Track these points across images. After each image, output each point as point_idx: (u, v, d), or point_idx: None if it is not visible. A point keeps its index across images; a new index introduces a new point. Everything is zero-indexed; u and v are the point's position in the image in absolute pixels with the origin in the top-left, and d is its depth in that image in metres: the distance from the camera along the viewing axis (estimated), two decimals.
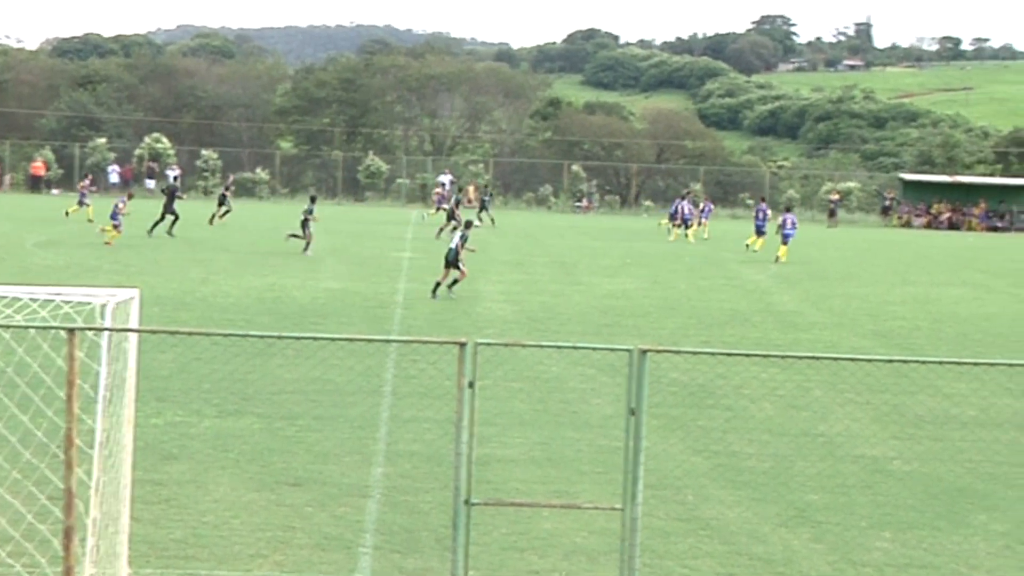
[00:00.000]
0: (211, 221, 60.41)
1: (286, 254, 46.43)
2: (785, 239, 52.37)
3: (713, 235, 66.18)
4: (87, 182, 66.80)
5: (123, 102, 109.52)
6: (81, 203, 61.64)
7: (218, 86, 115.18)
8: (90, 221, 57.55)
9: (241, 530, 14.56)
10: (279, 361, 24.16)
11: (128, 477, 12.34)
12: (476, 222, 57.36)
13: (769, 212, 59.76)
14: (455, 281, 36.42)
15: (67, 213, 60.91)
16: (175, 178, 64.87)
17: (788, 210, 57.19)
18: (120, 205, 49.21)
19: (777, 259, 51.25)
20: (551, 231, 65.06)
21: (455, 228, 50.95)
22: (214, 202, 65.66)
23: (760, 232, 57.06)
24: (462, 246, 36.69)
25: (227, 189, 65.41)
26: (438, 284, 36.33)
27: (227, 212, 61.60)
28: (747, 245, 56.20)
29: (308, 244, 47.24)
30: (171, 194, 55.53)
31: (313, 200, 51.48)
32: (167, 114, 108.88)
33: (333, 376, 23.01)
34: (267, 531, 14.57)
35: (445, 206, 63.17)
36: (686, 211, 63.99)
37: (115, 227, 48.17)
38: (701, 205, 72.52)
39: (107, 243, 46.96)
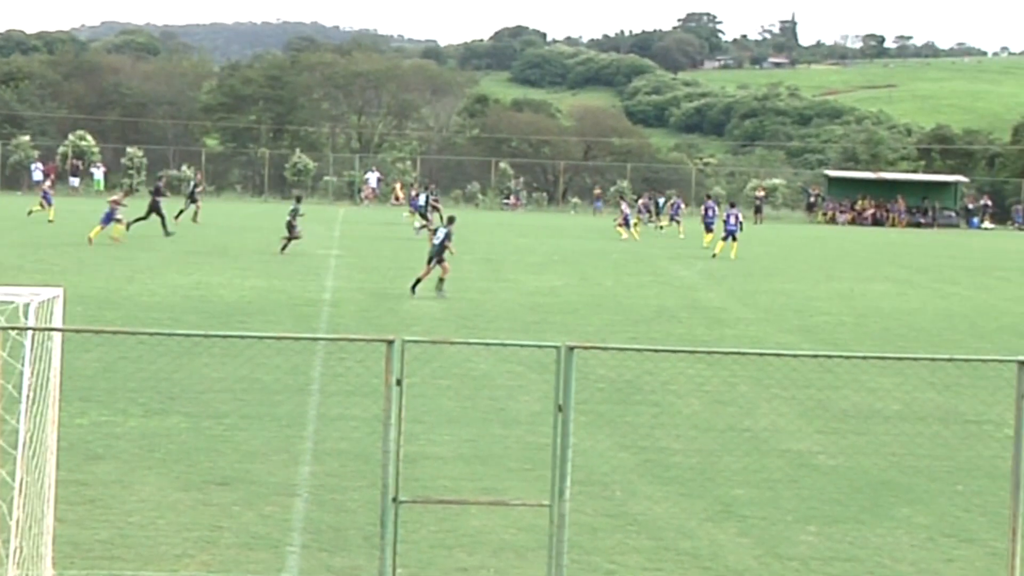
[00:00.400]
0: (195, 219, 60.27)
1: (210, 252, 46.16)
2: (731, 235, 52.93)
3: (643, 232, 66.39)
4: (49, 182, 66.79)
5: (46, 99, 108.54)
6: (46, 203, 61.36)
7: (143, 83, 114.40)
8: (50, 222, 57.58)
9: (167, 530, 14.47)
10: (206, 360, 24.01)
11: (52, 477, 12.23)
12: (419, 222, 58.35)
13: (716, 209, 60.45)
14: (440, 280, 36.34)
15: (30, 212, 60.49)
16: (159, 178, 65.13)
17: (732, 206, 58.00)
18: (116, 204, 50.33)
19: (715, 255, 51.82)
20: (479, 228, 65.07)
21: (423, 226, 51.75)
22: (139, 199, 65.09)
23: (709, 229, 57.64)
24: (447, 243, 36.66)
25: (196, 187, 65.46)
26: (418, 280, 36.36)
27: (192, 211, 61.10)
28: (705, 246, 57.37)
29: (289, 244, 47.48)
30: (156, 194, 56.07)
31: (299, 200, 52.26)
32: (91, 112, 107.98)
33: (260, 375, 22.90)
34: (194, 531, 14.49)
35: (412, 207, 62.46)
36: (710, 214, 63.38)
37: (119, 222, 49.21)
38: (673, 201, 73.58)
39: (115, 239, 47.83)
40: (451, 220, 38.81)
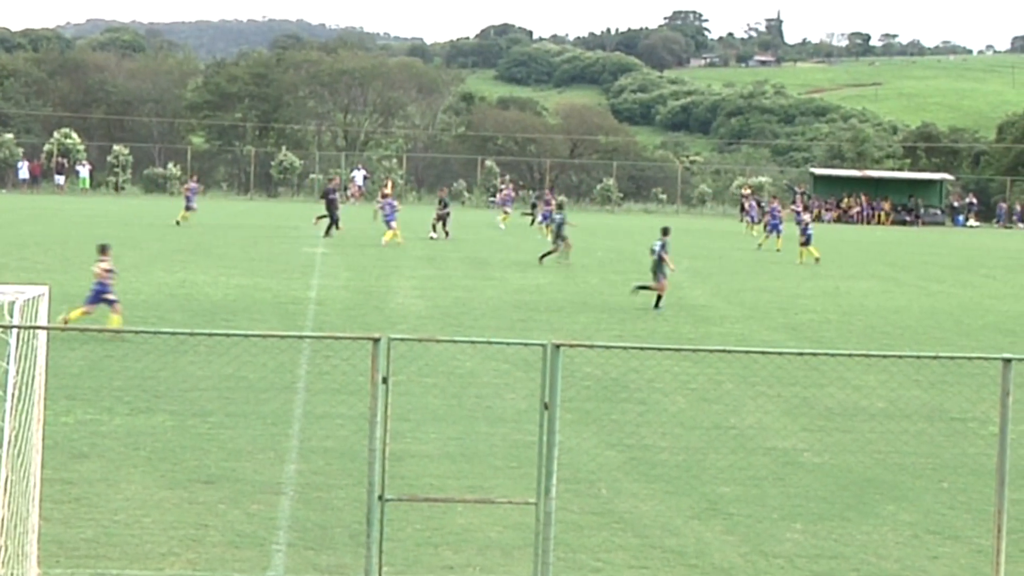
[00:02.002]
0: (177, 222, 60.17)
1: (196, 251, 46.10)
2: (775, 229, 56.50)
3: (626, 229, 66.42)
4: (193, 184, 65.42)
5: (31, 97, 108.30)
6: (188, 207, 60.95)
7: (128, 81, 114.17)
8: (177, 223, 57.63)
9: (153, 528, 14.45)
10: (191, 358, 23.99)
11: (37, 476, 12.21)
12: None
13: (781, 210, 62.43)
14: (648, 287, 35.53)
15: (178, 223, 59.64)
16: (331, 180, 66.46)
17: (774, 198, 59.51)
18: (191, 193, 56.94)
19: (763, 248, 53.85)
20: (465, 226, 65.04)
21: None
22: (125, 197, 65.08)
23: (777, 230, 60.06)
24: (664, 255, 35.42)
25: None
26: (660, 297, 35.27)
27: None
28: (760, 245, 58.75)
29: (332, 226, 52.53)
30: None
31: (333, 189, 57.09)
32: (77, 109, 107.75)
33: (246, 373, 22.88)
34: (179, 529, 14.47)
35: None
36: (777, 215, 63.28)
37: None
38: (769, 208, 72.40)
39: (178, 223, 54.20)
40: (666, 231, 36.73)
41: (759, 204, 77.95)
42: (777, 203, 70.29)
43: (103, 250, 28.17)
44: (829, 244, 63.82)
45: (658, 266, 35.44)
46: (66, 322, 25.52)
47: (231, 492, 15.98)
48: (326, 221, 56.11)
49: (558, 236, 47.42)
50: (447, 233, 57.34)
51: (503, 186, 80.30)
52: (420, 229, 59.32)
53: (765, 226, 63.72)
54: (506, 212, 71.96)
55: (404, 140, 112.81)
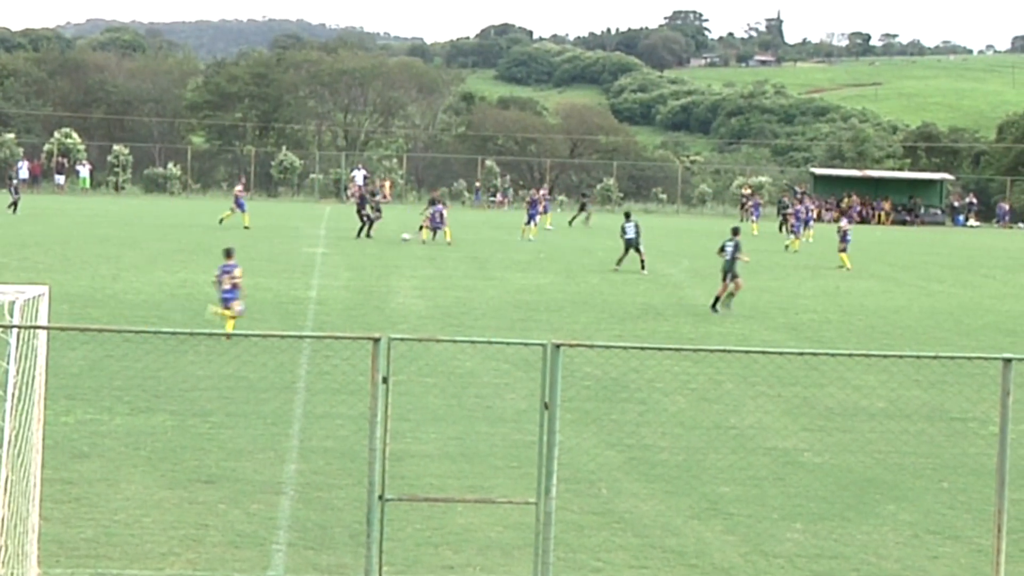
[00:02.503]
0: (221, 221, 59.71)
1: (196, 250, 46.08)
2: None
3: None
4: (241, 187, 64.21)
5: (31, 97, 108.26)
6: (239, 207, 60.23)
7: (128, 81, 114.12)
8: (247, 228, 56.83)
9: (153, 528, 14.46)
10: (191, 358, 24.01)
11: (37, 476, 12.21)
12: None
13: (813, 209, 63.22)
14: (731, 295, 35.17)
15: (221, 220, 59.17)
16: (367, 182, 67.31)
17: (801, 200, 59.77)
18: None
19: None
20: (465, 226, 65.01)
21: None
22: (125, 197, 65.08)
23: (806, 226, 62.21)
24: (738, 255, 35.30)
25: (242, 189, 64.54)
26: (717, 298, 35.14)
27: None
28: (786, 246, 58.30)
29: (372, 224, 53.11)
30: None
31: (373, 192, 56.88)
32: (77, 109, 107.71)
33: (246, 372, 22.89)
34: (180, 529, 14.48)
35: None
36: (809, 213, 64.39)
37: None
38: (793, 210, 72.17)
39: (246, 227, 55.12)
40: (736, 231, 36.86)
41: (780, 204, 78.16)
42: (805, 203, 70.19)
43: (229, 254, 28.66)
44: (830, 244, 63.78)
45: (731, 266, 35.05)
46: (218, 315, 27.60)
47: (231, 492, 15.99)
48: (375, 223, 56.79)
49: (635, 248, 45.78)
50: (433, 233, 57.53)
51: (535, 192, 78.80)
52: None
53: (791, 228, 64.57)
54: (545, 214, 71.03)
55: (404, 140, 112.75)
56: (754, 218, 73.74)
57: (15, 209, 61.76)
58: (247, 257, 44.05)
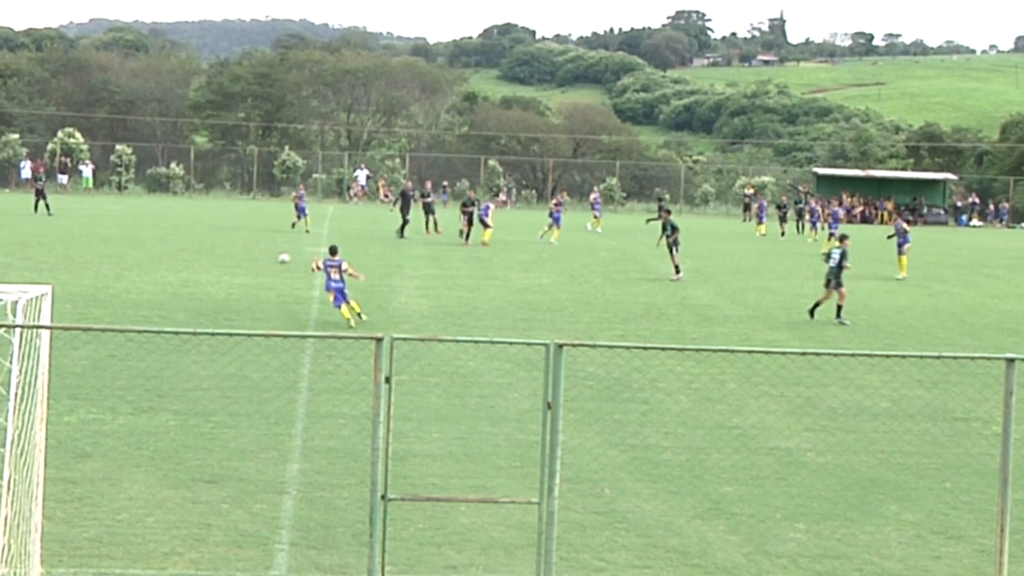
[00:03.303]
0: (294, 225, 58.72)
1: (199, 250, 46.10)
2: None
3: (629, 228, 66.38)
4: (302, 191, 61.93)
5: (35, 96, 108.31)
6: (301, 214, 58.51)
7: (131, 80, 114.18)
8: (308, 232, 56.04)
9: (156, 528, 14.46)
10: (194, 357, 24.00)
11: (40, 475, 12.21)
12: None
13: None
14: (839, 307, 34.06)
15: (293, 225, 57.82)
16: (423, 184, 67.22)
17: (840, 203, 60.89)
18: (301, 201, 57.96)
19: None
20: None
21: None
22: (128, 197, 65.09)
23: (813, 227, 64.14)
24: (845, 263, 34.27)
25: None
26: (817, 304, 34.11)
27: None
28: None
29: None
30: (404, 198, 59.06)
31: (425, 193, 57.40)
32: (80, 109, 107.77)
33: (249, 372, 22.89)
34: (182, 528, 14.48)
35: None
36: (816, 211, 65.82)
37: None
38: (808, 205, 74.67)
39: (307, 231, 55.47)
40: (844, 238, 35.86)
41: (797, 202, 78.52)
42: (833, 204, 72.13)
43: (334, 251, 30.27)
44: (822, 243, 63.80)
45: (836, 274, 34.01)
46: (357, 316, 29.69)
47: (234, 491, 15.99)
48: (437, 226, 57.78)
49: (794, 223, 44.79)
50: (437, 228, 57.95)
51: (557, 197, 78.00)
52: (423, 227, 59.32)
53: (813, 225, 67.98)
54: (596, 217, 70.64)
55: (407, 140, 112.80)
56: (761, 219, 73.76)
57: (48, 209, 61.71)
58: (250, 257, 44.14)
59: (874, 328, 33.01)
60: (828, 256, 35.17)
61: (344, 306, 29.56)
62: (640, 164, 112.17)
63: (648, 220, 56.92)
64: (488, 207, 56.70)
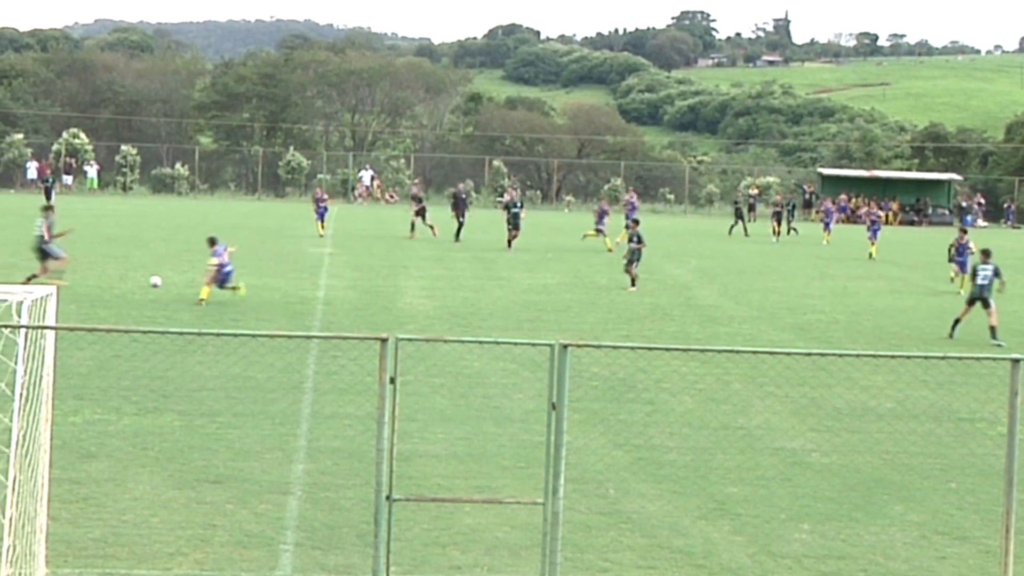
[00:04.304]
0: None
1: (204, 250, 46.10)
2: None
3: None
4: (321, 194, 59.90)
5: (39, 97, 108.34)
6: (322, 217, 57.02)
7: (136, 81, 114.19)
8: (320, 236, 54.48)
9: (161, 528, 14.47)
10: (199, 358, 24.02)
11: (45, 476, 12.23)
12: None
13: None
14: (992, 327, 31.80)
15: (321, 236, 54.85)
16: (457, 185, 66.18)
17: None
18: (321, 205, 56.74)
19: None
20: (473, 226, 64.99)
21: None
22: (133, 197, 65.11)
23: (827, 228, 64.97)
24: (1000, 278, 32.63)
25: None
26: (957, 321, 32.27)
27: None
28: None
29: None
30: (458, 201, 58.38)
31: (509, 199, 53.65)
32: (85, 109, 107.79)
33: (254, 373, 22.90)
34: (187, 529, 14.49)
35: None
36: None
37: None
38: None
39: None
40: (987, 253, 33.50)
41: (787, 204, 78.59)
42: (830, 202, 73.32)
43: (214, 241, 33.57)
44: (837, 245, 63.77)
45: (985, 293, 32.30)
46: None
47: (239, 492, 16.00)
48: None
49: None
50: (431, 228, 56.57)
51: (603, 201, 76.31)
52: (420, 228, 59.25)
53: (823, 224, 68.73)
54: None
55: (412, 140, 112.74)
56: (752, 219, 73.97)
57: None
58: (255, 257, 44.13)
59: (879, 329, 33.00)
60: (975, 273, 33.10)
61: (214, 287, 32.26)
62: (645, 164, 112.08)
63: (584, 236, 56.21)
64: (604, 211, 55.45)
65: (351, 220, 64.58)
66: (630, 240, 40.79)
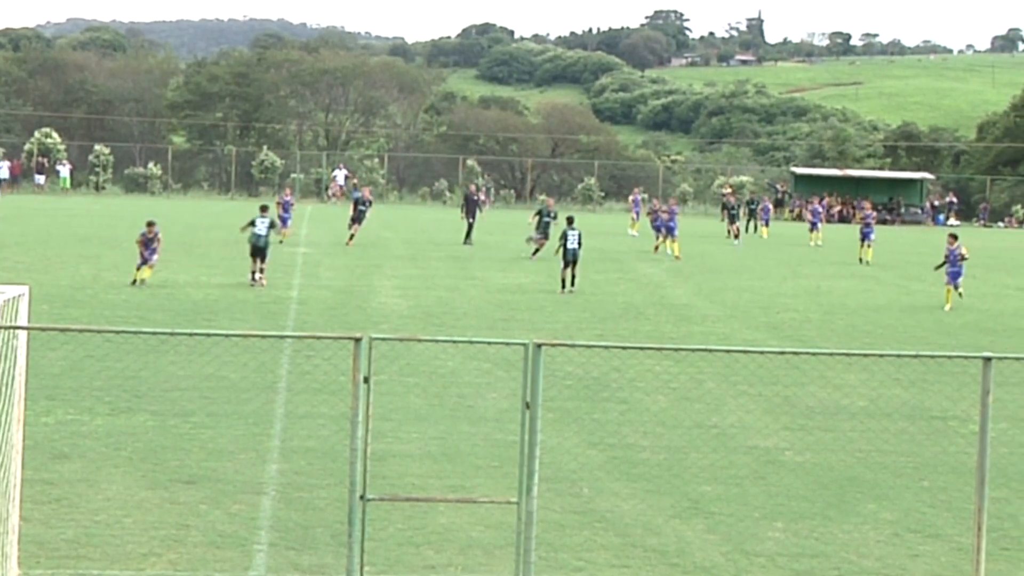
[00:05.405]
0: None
1: (177, 251, 45.99)
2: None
3: (607, 229, 66.41)
4: (288, 197, 56.93)
5: (11, 96, 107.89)
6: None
7: (109, 80, 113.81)
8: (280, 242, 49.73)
9: (134, 529, 14.43)
10: (172, 358, 23.96)
11: (17, 476, 12.18)
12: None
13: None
14: None
15: (281, 241, 49.46)
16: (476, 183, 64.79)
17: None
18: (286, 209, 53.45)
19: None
20: (446, 226, 65.00)
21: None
22: (106, 197, 64.85)
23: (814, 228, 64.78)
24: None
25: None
26: None
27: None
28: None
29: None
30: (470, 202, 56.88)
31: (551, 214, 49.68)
32: (57, 109, 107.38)
33: (227, 373, 22.85)
34: (161, 529, 14.45)
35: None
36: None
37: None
38: (761, 204, 75.30)
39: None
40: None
41: (749, 203, 78.75)
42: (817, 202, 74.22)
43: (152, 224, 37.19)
44: (809, 243, 63.91)
45: None
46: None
47: (212, 492, 15.96)
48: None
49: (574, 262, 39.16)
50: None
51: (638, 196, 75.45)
52: (404, 229, 59.24)
53: (810, 224, 67.82)
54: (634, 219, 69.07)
55: (385, 140, 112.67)
56: (764, 221, 73.44)
57: None
58: (227, 256, 44.01)
59: (852, 327, 33.10)
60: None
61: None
62: (619, 164, 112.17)
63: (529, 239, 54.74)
64: (674, 211, 53.95)
65: (326, 220, 64.45)
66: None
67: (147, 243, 36.35)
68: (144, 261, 36.07)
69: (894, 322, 34.57)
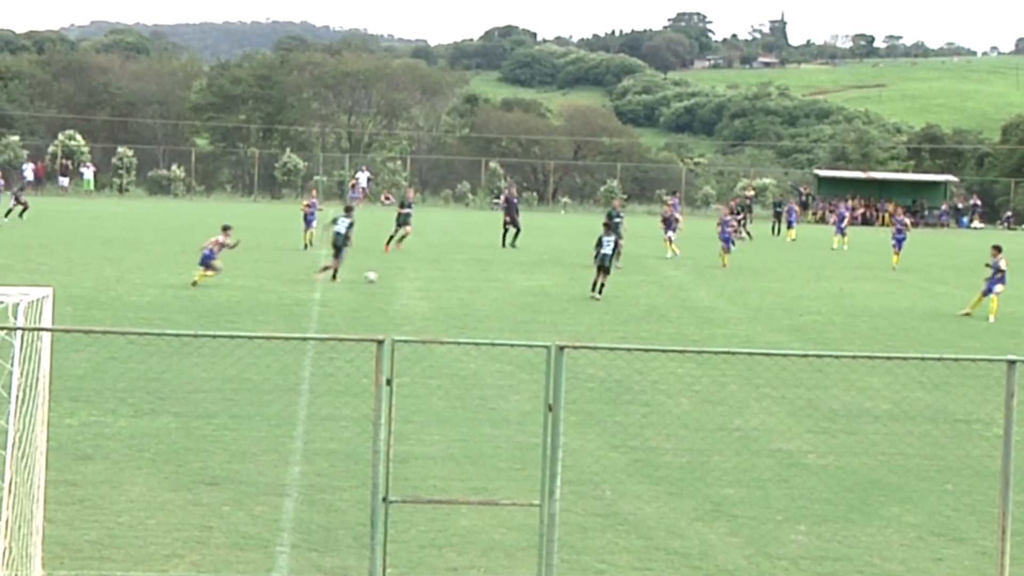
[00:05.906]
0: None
1: (199, 253, 46.03)
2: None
3: (631, 231, 66.36)
4: (314, 200, 54.76)
5: (36, 99, 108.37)
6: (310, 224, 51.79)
7: (133, 83, 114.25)
8: (307, 246, 50.55)
9: (157, 530, 14.45)
10: (195, 360, 23.99)
11: (42, 478, 12.21)
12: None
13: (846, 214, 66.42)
14: None
15: (306, 247, 50.70)
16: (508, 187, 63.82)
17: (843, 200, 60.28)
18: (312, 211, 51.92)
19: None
20: (469, 228, 65.07)
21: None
22: (129, 199, 65.01)
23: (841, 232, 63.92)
24: None
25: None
26: None
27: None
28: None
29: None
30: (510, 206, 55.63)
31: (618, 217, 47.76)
32: (81, 111, 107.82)
33: (250, 374, 22.88)
34: (183, 531, 14.47)
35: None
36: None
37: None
38: (787, 206, 74.81)
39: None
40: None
41: (776, 204, 78.59)
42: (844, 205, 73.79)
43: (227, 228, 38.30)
44: (833, 245, 63.76)
45: None
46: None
47: (235, 494, 15.98)
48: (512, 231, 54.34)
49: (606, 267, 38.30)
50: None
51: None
52: (426, 231, 59.28)
53: (836, 226, 67.09)
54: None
55: (408, 142, 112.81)
56: (789, 224, 72.93)
57: (7, 216, 60.71)
58: (251, 259, 44.10)
59: (875, 330, 33.01)
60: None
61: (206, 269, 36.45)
62: (641, 166, 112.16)
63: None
64: (676, 204, 52.60)
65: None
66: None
67: (221, 247, 37.54)
68: (208, 265, 36.86)
69: (917, 325, 34.47)
